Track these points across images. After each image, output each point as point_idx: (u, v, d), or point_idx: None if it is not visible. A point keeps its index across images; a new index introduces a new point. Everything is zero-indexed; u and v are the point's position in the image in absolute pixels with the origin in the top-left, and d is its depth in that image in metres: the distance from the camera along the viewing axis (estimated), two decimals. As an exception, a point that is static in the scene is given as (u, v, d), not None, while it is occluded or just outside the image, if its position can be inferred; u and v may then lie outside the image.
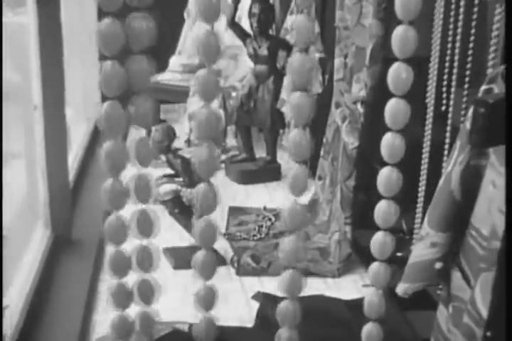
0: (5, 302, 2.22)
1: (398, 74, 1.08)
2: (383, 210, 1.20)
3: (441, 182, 2.13)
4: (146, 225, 1.08)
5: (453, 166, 2.08)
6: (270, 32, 4.97)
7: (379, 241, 1.19)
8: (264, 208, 4.30)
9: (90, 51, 5.88)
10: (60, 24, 3.24)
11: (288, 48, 4.74)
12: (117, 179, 1.04)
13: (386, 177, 1.19)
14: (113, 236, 1.09)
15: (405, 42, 1.02)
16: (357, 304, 3.29)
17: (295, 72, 0.97)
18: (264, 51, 4.72)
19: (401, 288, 2.32)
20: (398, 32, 1.01)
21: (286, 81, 4.75)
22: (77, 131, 5.10)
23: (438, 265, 2.20)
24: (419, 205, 3.09)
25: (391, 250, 1.24)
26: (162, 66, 5.76)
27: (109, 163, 1.04)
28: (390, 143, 1.21)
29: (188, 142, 5.35)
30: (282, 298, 3.18)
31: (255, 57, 4.79)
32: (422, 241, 2.23)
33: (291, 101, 1.00)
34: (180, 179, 3.46)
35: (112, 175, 1.04)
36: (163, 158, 3.67)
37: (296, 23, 0.93)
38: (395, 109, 1.14)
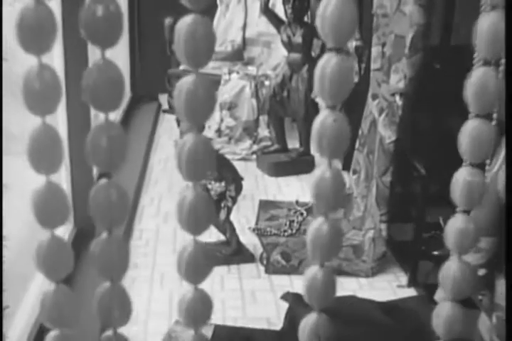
0: (5, 302, 2.13)
1: (484, 83, 0.75)
2: (453, 274, 0.82)
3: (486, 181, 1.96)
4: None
5: (500, 165, 1.92)
6: (305, 19, 4.80)
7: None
8: (297, 202, 4.15)
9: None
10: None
11: (323, 36, 4.57)
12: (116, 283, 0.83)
13: (459, 230, 0.85)
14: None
15: (496, 33, 0.71)
16: (391, 306, 3.18)
17: (327, 80, 0.72)
18: (298, 39, 4.56)
19: (439, 296, 2.17)
20: (486, 22, 0.70)
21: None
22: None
23: (482, 271, 2.06)
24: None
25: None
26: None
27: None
28: (466, 182, 0.83)
29: (219, 132, 5.21)
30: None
31: (289, 45, 4.64)
32: (464, 246, 2.08)
33: (315, 126, 0.76)
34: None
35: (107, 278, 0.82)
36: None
37: (327, 10, 0.67)
38: (476, 135, 0.80)
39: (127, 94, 5.95)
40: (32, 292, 2.77)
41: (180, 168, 0.74)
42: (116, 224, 0.77)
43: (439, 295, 2.17)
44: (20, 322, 2.60)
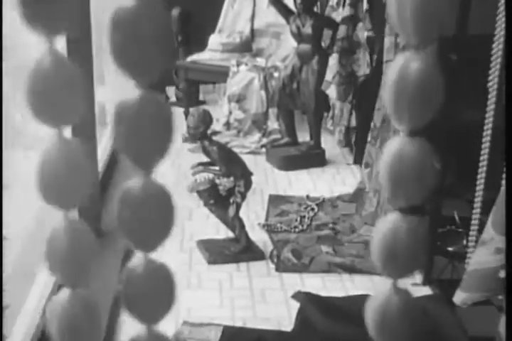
0: (5, 302, 2.07)
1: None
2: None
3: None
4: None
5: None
6: (315, 9, 4.69)
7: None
8: (307, 197, 4.06)
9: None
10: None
11: (334, 26, 4.47)
12: None
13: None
14: None
15: None
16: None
17: (407, 93, 0.49)
18: (308, 29, 4.45)
19: (459, 298, 2.08)
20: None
21: (332, 61, 4.48)
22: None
23: (503, 273, 1.96)
24: (478, 194, 2.80)
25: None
26: (201, 45, 5.51)
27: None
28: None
29: (228, 125, 5.11)
30: (325, 299, 2.96)
31: (299, 36, 4.53)
32: (484, 246, 1.98)
33: (388, 157, 0.54)
34: (217, 168, 3.22)
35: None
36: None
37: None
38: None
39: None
40: (35, 292, 2.71)
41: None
42: None
43: (458, 297, 2.07)
44: (23, 323, 2.54)
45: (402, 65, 0.51)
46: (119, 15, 0.50)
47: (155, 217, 0.56)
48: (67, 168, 0.56)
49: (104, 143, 4.27)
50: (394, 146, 0.51)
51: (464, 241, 3.18)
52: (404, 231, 0.56)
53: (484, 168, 2.75)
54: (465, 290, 2.05)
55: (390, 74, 0.51)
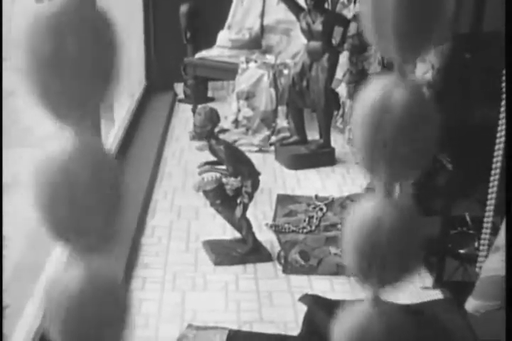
0: (5, 302, 2.03)
1: None
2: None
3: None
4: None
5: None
6: (325, 6, 4.62)
7: None
8: (316, 197, 3.99)
9: (135, 26, 5.64)
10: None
11: (344, 23, 4.40)
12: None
13: None
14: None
15: None
16: (415, 310, 3.01)
17: (387, 135, 0.37)
18: (318, 26, 4.38)
19: (471, 305, 2.02)
20: None
21: (342, 59, 4.41)
22: (121, 108, 4.88)
23: (517, 281, 1.89)
24: (491, 196, 2.73)
25: None
26: (210, 41, 5.45)
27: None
28: None
29: (236, 122, 5.05)
30: (334, 302, 2.90)
31: (309, 33, 4.46)
32: (497, 253, 1.92)
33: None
34: (224, 167, 3.16)
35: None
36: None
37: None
38: None
39: (142, 82, 5.80)
40: (37, 292, 2.66)
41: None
42: None
43: (469, 304, 2.01)
44: (24, 324, 2.50)
45: (382, 95, 0.36)
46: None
47: (99, 319, 0.44)
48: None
49: (110, 141, 4.23)
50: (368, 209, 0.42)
51: (476, 244, 3.11)
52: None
53: (498, 170, 2.68)
54: (477, 298, 1.99)
55: (364, 105, 0.36)
